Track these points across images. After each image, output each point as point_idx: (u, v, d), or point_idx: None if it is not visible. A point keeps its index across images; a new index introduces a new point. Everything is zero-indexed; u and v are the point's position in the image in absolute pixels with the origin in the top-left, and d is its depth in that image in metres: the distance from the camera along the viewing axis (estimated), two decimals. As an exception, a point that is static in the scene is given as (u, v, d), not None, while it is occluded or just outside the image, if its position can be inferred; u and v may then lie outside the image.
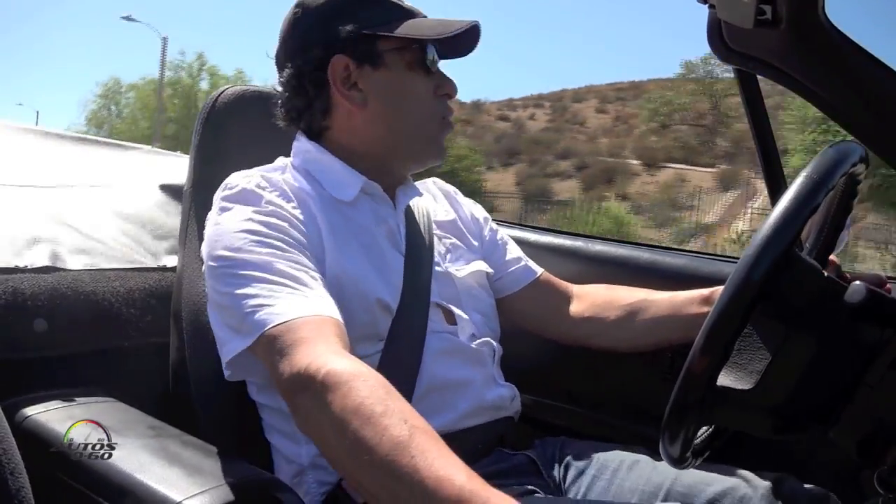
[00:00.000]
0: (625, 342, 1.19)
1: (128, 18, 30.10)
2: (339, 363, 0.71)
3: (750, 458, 1.01)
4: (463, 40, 1.05)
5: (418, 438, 0.63)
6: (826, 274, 0.74)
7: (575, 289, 1.27)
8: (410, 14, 1.04)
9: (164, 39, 29.38)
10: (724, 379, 0.75)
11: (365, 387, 0.68)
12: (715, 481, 0.94)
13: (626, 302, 1.19)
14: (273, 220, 0.90)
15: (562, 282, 1.27)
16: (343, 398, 0.67)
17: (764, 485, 0.93)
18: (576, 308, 1.23)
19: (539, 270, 1.25)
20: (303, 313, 0.79)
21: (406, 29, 1.01)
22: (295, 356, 0.74)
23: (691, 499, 0.93)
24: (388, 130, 1.04)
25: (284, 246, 0.88)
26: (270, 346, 0.78)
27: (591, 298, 1.24)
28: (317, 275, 0.87)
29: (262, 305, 0.80)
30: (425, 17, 1.06)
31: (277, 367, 0.76)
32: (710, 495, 0.92)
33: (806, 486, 0.93)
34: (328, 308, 0.82)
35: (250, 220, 0.90)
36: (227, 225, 0.91)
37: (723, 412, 0.76)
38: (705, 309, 1.10)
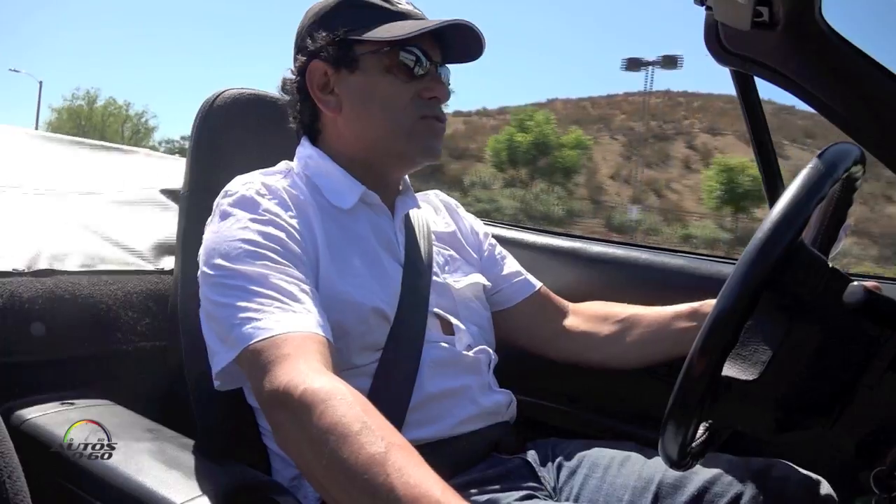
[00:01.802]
0: (615, 358, 1.18)
1: (14, 70, 49.28)
2: (317, 381, 0.71)
3: (741, 447, 1.01)
4: (459, 43, 1.03)
5: (394, 455, 0.63)
6: (831, 266, 0.74)
7: (571, 305, 1.26)
8: (400, 17, 1.01)
9: (40, 83, 44.45)
10: (729, 369, 0.75)
11: (342, 405, 0.68)
12: (704, 469, 0.94)
13: (617, 318, 1.19)
14: (270, 229, 0.90)
15: (559, 298, 1.27)
16: (319, 417, 0.67)
17: (754, 470, 0.93)
18: (570, 323, 1.23)
19: (538, 285, 1.25)
20: (288, 329, 0.79)
21: (377, 31, 0.99)
22: (275, 373, 0.74)
23: (682, 487, 0.94)
24: (363, 133, 1.03)
25: (278, 258, 0.87)
26: (254, 360, 0.78)
27: (585, 314, 1.24)
28: (309, 288, 0.87)
29: (249, 319, 0.80)
30: (422, 18, 1.03)
31: (258, 383, 0.76)
32: (700, 482, 0.93)
33: (797, 470, 0.93)
34: (315, 324, 0.82)
35: (247, 228, 0.90)
36: (224, 233, 0.91)
37: (725, 407, 0.76)
38: (693, 323, 1.10)
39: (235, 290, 0.84)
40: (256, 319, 0.80)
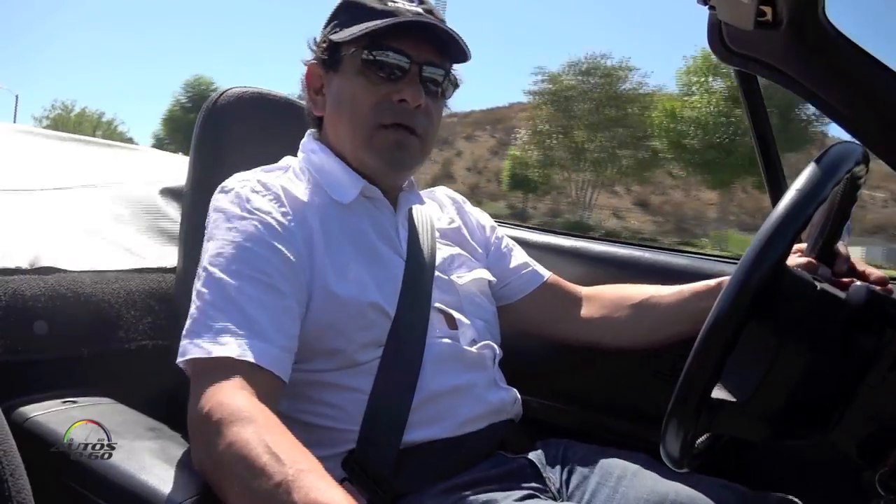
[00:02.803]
0: (636, 340, 1.17)
1: (-7, 85, 54.07)
2: (234, 408, 0.72)
3: (757, 478, 1.00)
4: (452, 43, 0.99)
5: (301, 481, 0.64)
6: (820, 287, 0.74)
7: (584, 290, 1.25)
8: (384, 16, 0.96)
9: (16, 97, 47.74)
10: (720, 392, 0.75)
11: (250, 433, 0.69)
12: (719, 499, 0.93)
13: (636, 300, 1.18)
14: (257, 230, 0.90)
15: (570, 284, 1.26)
16: (230, 445, 0.69)
17: None
18: (586, 310, 1.22)
19: (546, 274, 1.24)
20: (226, 354, 0.79)
21: (344, 31, 0.97)
22: (201, 395, 0.76)
23: None
24: (339, 135, 1.03)
25: (259, 264, 0.87)
26: (192, 377, 0.80)
27: (600, 299, 1.23)
28: (280, 304, 0.86)
29: (198, 333, 0.81)
30: (416, 17, 0.97)
31: (190, 401, 0.78)
32: None
33: None
34: (257, 353, 0.80)
35: (234, 229, 0.89)
36: (213, 232, 0.91)
37: (720, 421, 0.76)
38: (710, 302, 1.09)
39: (203, 300, 0.84)
40: (199, 336, 0.81)
